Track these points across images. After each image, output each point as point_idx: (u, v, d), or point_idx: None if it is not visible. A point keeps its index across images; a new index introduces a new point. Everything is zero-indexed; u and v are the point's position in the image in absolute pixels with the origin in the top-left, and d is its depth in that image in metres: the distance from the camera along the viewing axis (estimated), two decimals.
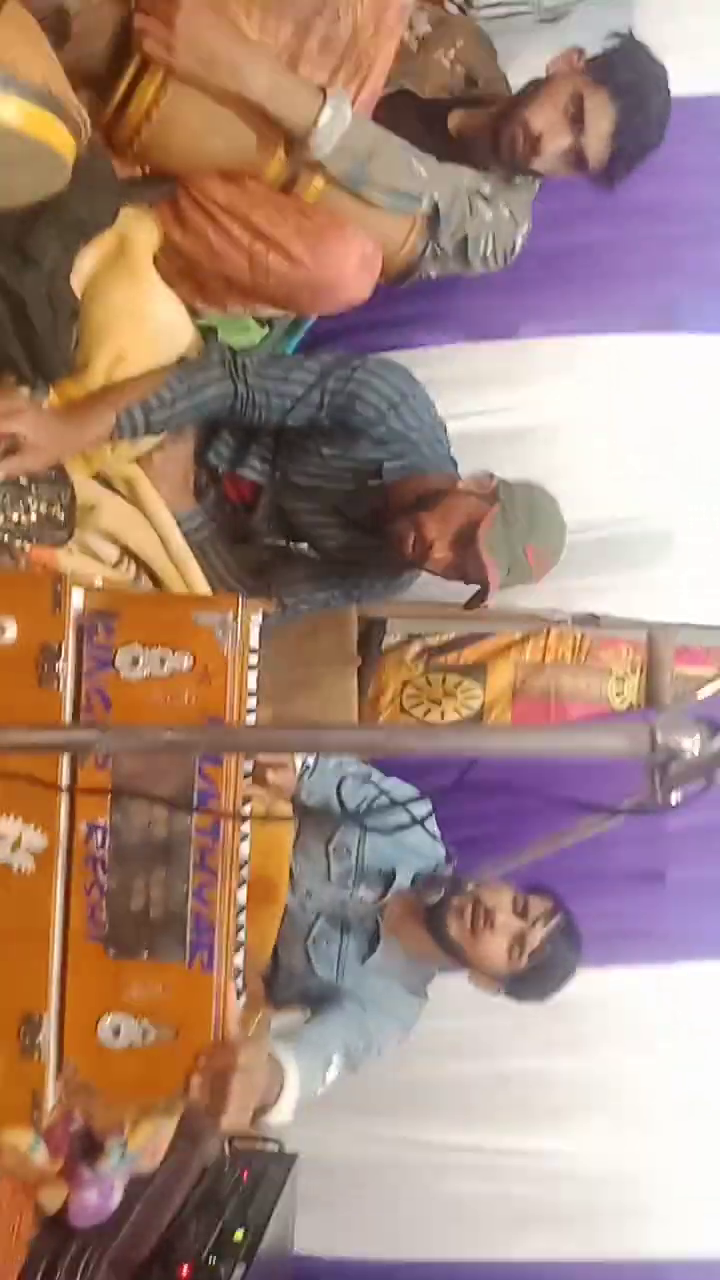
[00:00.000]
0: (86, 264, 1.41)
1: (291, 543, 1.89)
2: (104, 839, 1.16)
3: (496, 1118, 2.10)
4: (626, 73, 1.62)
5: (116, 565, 1.58)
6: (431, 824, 1.73)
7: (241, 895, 1.32)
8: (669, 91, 1.66)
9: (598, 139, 1.62)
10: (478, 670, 2.25)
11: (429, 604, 2.29)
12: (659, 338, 2.16)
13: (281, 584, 1.84)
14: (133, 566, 1.60)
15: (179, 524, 1.66)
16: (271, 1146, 1.81)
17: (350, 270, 1.45)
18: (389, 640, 2.31)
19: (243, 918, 1.33)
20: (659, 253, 2.12)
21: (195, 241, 1.48)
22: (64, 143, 1.07)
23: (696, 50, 2.07)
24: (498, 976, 1.67)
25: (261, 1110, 1.26)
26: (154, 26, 1.26)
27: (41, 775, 1.04)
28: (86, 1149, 1.37)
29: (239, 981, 1.26)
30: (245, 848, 1.31)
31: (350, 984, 1.70)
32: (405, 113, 1.66)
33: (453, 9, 1.85)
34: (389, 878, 1.71)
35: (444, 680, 2.25)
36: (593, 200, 1.88)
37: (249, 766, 1.31)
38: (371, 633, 2.27)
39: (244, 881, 1.32)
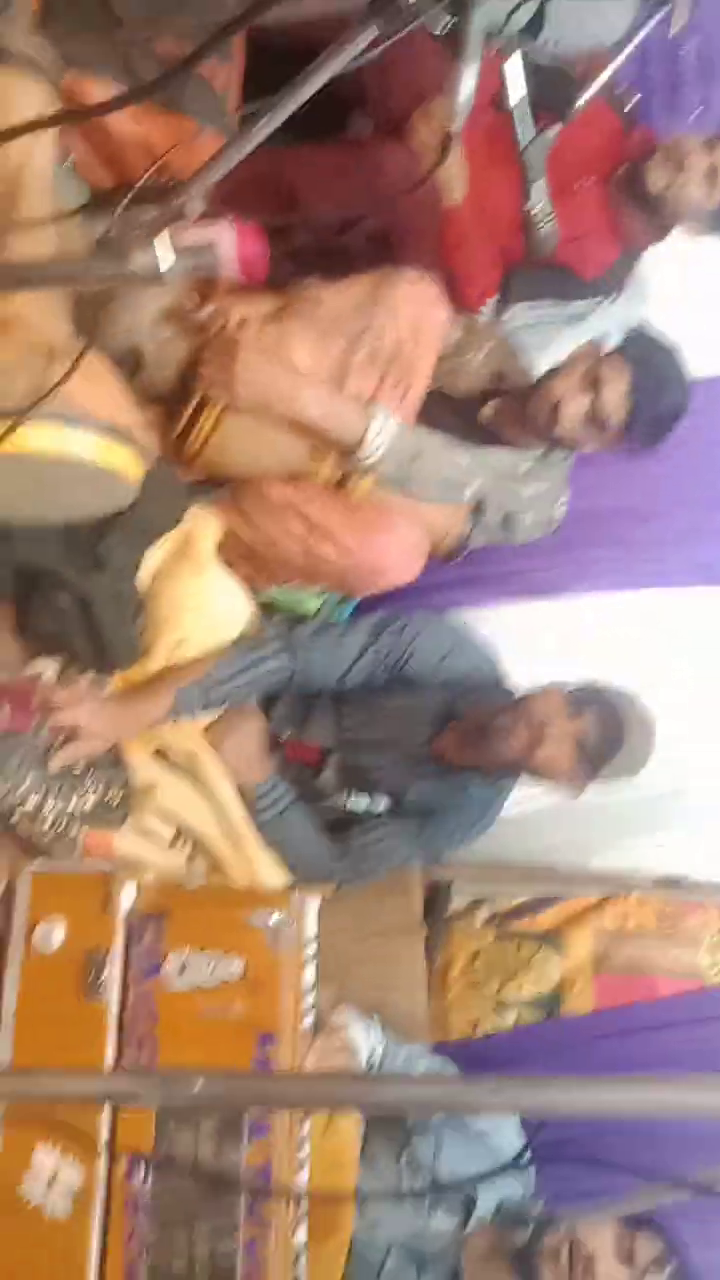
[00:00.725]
0: (154, 558, 1.50)
1: (355, 797, 1.86)
2: (146, 1175, 1.04)
3: None
4: (640, 345, 1.74)
5: (172, 845, 1.54)
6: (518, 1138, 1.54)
7: (301, 1235, 1.16)
8: (682, 361, 1.75)
9: (614, 399, 1.68)
10: (554, 937, 2.08)
11: (496, 866, 2.19)
12: (704, 590, 2.19)
13: (360, 844, 1.78)
14: (189, 845, 1.57)
15: (260, 796, 1.65)
16: None
17: (397, 558, 1.52)
18: (455, 905, 2.17)
19: (302, 1266, 1.16)
20: (696, 514, 2.19)
21: (254, 532, 1.57)
22: (129, 468, 1.16)
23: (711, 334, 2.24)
24: None
25: None
26: (215, 372, 1.41)
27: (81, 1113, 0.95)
28: None
29: None
30: (304, 1177, 1.16)
31: None
32: (441, 408, 1.79)
33: (483, 318, 2.05)
34: (470, 1202, 1.50)
35: (518, 949, 2.09)
36: (631, 468, 1.99)
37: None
38: (436, 898, 2.15)
39: (303, 1220, 1.16)
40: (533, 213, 1.14)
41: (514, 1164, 1.12)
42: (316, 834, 1.75)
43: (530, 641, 2.06)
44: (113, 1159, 1.07)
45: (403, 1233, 1.51)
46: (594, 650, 2.10)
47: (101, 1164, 1.06)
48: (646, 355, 1.73)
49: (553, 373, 1.77)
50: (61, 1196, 1.06)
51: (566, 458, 1.85)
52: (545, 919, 2.09)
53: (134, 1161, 1.07)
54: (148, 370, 1.50)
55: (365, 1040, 1.57)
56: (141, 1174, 1.06)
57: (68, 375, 1.03)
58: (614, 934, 2.04)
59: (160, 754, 1.60)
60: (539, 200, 1.20)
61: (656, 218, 2.00)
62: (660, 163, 1.91)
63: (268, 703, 1.81)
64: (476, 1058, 1.84)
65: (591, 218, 2.07)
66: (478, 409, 1.81)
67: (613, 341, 1.84)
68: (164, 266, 0.80)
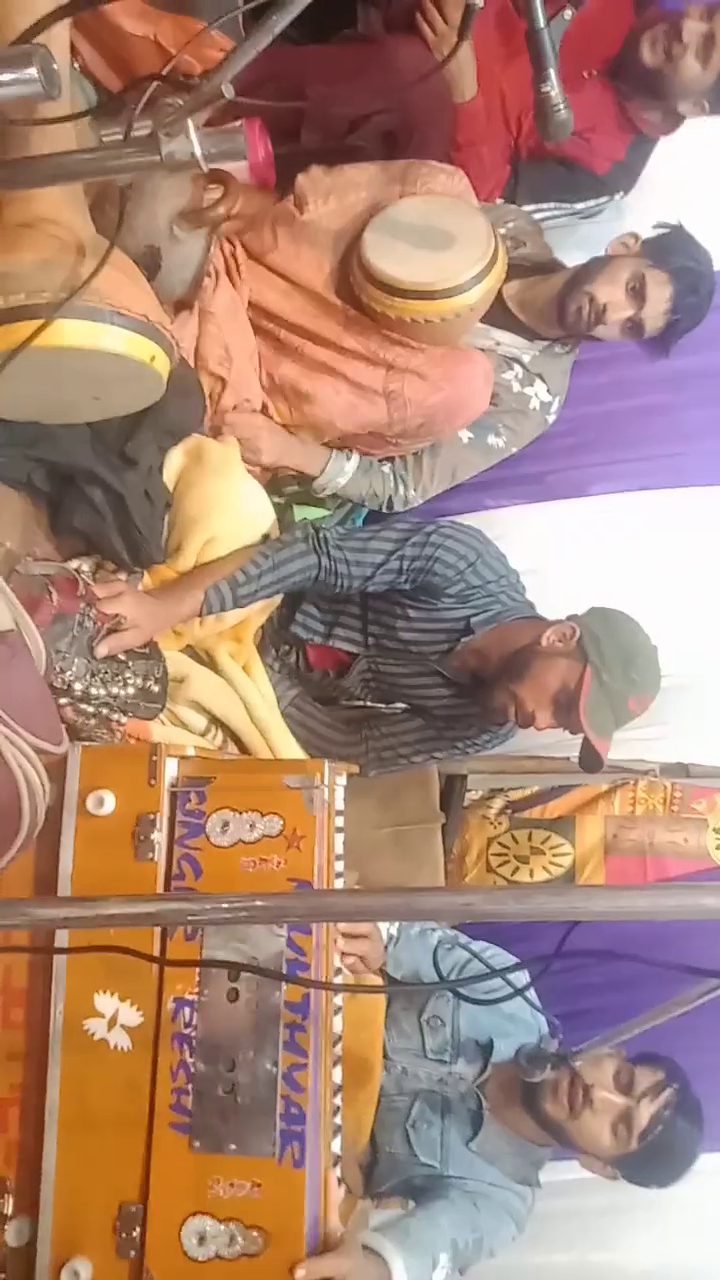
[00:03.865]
0: (175, 461, 1.54)
1: (383, 704, 1.95)
2: (191, 1016, 1.15)
3: None
4: (681, 258, 1.83)
5: (205, 734, 1.63)
6: (531, 994, 1.65)
7: (337, 1075, 1.27)
8: (715, 273, 1.85)
9: (656, 313, 1.82)
10: (565, 824, 2.20)
11: (510, 757, 2.29)
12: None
13: (379, 739, 1.87)
14: (219, 734, 1.66)
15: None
16: None
17: (479, 385, 1.61)
18: (470, 796, 2.28)
19: (339, 1099, 1.28)
20: (713, 412, 2.21)
21: (325, 406, 1.64)
22: (160, 362, 1.21)
23: None
24: (607, 1159, 1.54)
25: None
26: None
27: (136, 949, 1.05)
28: None
29: (337, 1171, 1.20)
30: (338, 1022, 1.27)
31: (456, 1172, 1.59)
32: None
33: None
34: (487, 1050, 1.63)
35: (530, 836, 2.20)
36: (650, 369, 2.03)
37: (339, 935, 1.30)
38: (452, 789, 2.26)
39: (338, 1060, 1.28)
40: (551, 96, 1.14)
41: (505, 975, 1.24)
42: (329, 725, 1.85)
43: (549, 543, 2.11)
44: (160, 998, 1.16)
45: (427, 1083, 1.65)
46: (610, 550, 2.15)
47: (152, 1004, 1.16)
48: (687, 269, 1.82)
49: (595, 271, 1.81)
50: (123, 1034, 1.17)
51: (571, 352, 1.92)
52: (557, 807, 2.21)
53: (180, 1001, 1.16)
54: (165, 271, 1.52)
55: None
56: (188, 1011, 1.16)
57: (99, 268, 1.07)
58: (623, 819, 2.15)
59: (187, 650, 1.68)
60: (554, 85, 1.19)
61: (659, 100, 1.98)
62: (656, 33, 1.90)
63: (292, 607, 1.88)
64: (492, 938, 1.96)
65: (598, 110, 2.05)
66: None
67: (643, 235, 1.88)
68: (198, 151, 0.83)
